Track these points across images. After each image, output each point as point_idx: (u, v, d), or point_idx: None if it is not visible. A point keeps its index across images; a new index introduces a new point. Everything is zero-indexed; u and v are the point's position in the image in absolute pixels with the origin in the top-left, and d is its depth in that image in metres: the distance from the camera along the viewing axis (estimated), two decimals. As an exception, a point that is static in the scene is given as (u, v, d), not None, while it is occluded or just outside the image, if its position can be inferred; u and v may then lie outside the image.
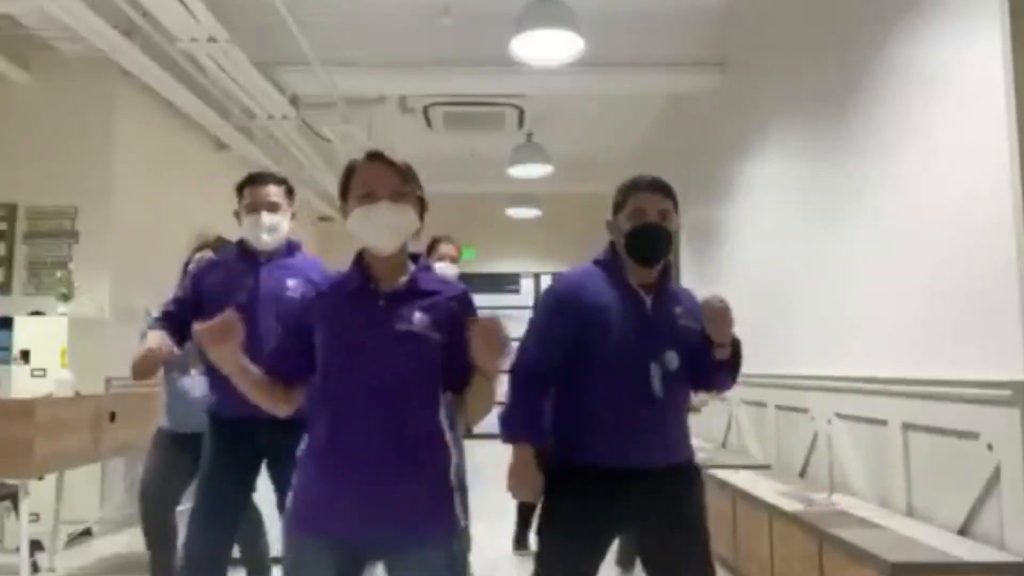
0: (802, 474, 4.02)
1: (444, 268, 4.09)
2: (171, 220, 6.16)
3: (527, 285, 11.09)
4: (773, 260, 4.58)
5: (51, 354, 4.67)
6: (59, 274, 4.92)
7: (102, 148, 5.36)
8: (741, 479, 3.98)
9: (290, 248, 2.74)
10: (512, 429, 2.02)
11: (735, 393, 5.10)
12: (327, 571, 1.61)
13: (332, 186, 7.87)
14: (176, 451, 3.27)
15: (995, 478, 2.55)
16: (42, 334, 4.77)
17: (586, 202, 10.07)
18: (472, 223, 10.47)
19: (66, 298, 4.84)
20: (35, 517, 4.00)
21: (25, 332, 4.78)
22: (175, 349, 2.56)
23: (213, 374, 2.66)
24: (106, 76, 5.27)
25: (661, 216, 2.06)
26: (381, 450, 1.60)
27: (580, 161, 8.54)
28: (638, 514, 2.01)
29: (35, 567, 3.94)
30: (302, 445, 1.70)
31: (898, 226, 3.20)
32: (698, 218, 6.26)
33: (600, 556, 2.04)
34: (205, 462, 2.64)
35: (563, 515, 2.02)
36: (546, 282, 10.73)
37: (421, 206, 1.76)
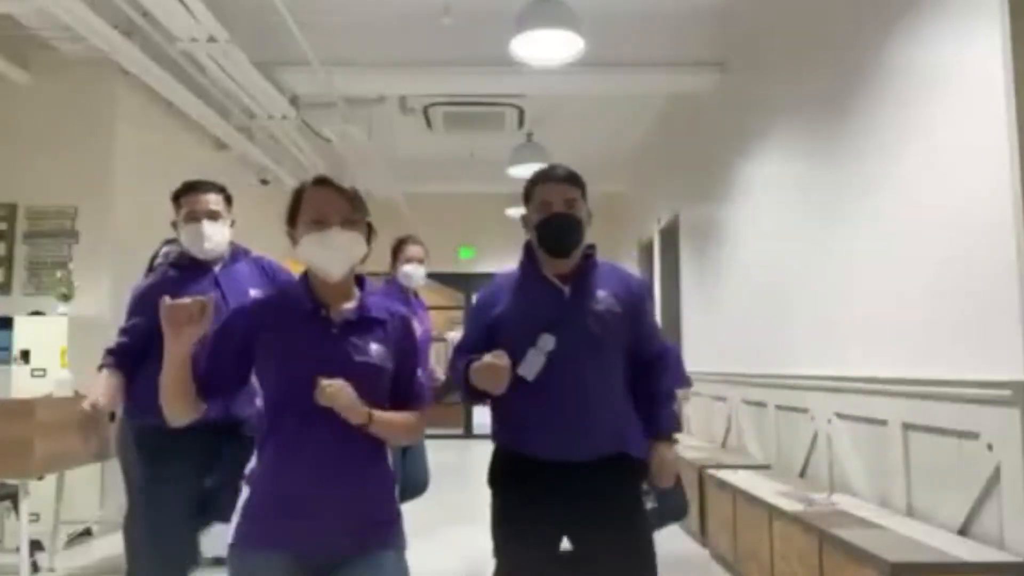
0: (802, 474, 4.02)
1: (412, 270, 4.08)
2: (171, 220, 6.16)
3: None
4: (773, 260, 4.58)
5: (51, 354, 4.68)
6: (59, 274, 4.92)
7: (102, 148, 5.36)
8: (741, 479, 3.98)
9: (235, 255, 2.72)
10: (462, 384, 2.02)
11: (735, 393, 5.10)
12: None
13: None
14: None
15: (995, 478, 2.55)
16: (42, 334, 4.77)
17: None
18: (472, 223, 10.48)
19: (66, 298, 4.84)
20: (35, 517, 4.00)
21: (25, 332, 4.78)
22: (117, 407, 2.48)
23: (141, 378, 2.53)
24: (106, 76, 5.27)
25: (568, 205, 2.06)
26: (331, 472, 1.64)
27: (580, 161, 8.49)
28: (567, 509, 1.98)
29: (35, 567, 3.94)
30: (250, 464, 1.71)
31: (898, 226, 3.20)
32: (698, 218, 6.27)
33: (547, 549, 2.01)
34: (140, 479, 2.55)
35: (503, 506, 2.05)
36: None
37: (369, 232, 1.77)
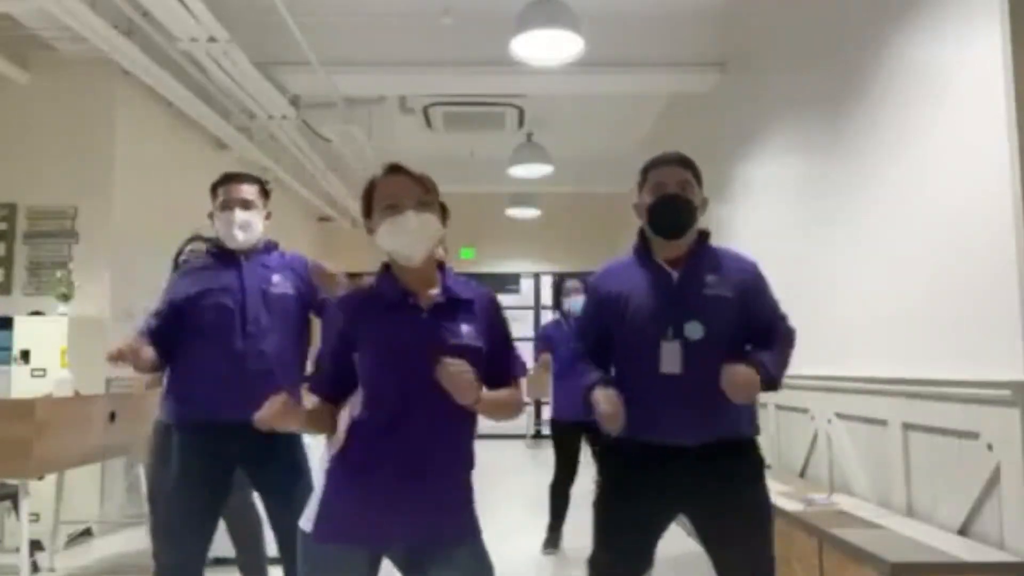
0: (802, 474, 4.02)
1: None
2: (171, 220, 6.14)
3: (527, 285, 11.10)
4: (773, 260, 4.55)
5: (51, 354, 4.67)
6: (59, 274, 4.91)
7: (102, 148, 5.35)
8: (741, 479, 3.98)
9: (267, 247, 2.72)
10: (583, 391, 2.05)
11: (735, 393, 5.10)
12: None
13: (332, 186, 7.88)
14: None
15: (995, 478, 2.55)
16: (42, 334, 4.77)
17: (586, 202, 10.10)
18: (472, 223, 10.48)
19: (66, 298, 4.83)
20: (35, 517, 4.00)
21: (25, 332, 4.78)
22: (142, 362, 2.46)
23: (176, 377, 2.60)
24: (106, 76, 5.27)
25: (680, 187, 2.06)
26: (420, 464, 1.65)
27: (580, 161, 8.54)
28: (682, 493, 2.00)
29: (35, 567, 3.94)
30: (329, 454, 1.72)
31: (898, 226, 3.19)
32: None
33: (650, 532, 2.04)
34: (171, 473, 2.57)
35: (610, 488, 2.09)
36: (546, 282, 10.75)
37: (443, 213, 1.80)
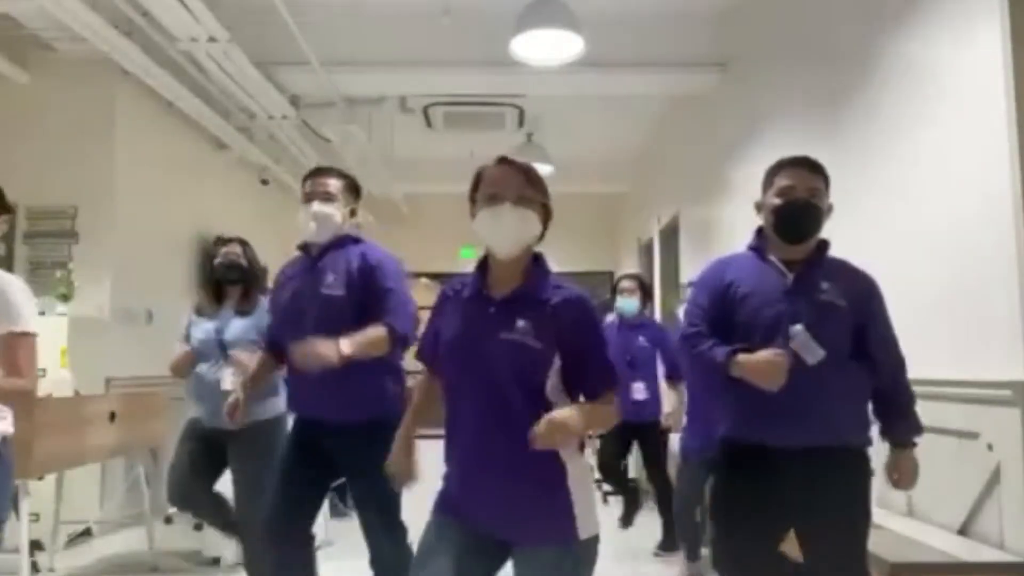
0: (802, 474, 4.02)
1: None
2: (171, 220, 6.16)
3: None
4: (773, 260, 4.58)
5: (51, 354, 4.67)
6: (59, 274, 4.92)
7: (102, 148, 5.35)
8: (741, 479, 3.98)
9: (343, 241, 2.67)
10: (716, 362, 2.01)
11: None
12: (448, 550, 1.70)
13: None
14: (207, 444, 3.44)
15: (995, 478, 2.55)
16: (42, 334, 4.74)
17: (586, 202, 10.08)
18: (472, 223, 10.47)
19: (66, 298, 4.84)
20: (35, 517, 3.99)
21: (25, 332, 4.77)
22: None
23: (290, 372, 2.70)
24: (106, 76, 5.26)
25: (810, 193, 2.06)
26: (484, 452, 1.69)
27: (580, 161, 8.54)
28: (789, 495, 1.99)
29: (35, 567, 3.94)
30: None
31: (898, 226, 3.19)
32: (698, 218, 6.26)
33: (769, 536, 2.03)
34: (280, 457, 2.70)
35: (724, 492, 2.11)
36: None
37: (546, 214, 1.79)
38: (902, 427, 2.14)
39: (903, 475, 2.13)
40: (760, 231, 2.17)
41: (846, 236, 3.63)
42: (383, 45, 5.48)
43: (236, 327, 3.41)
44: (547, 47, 4.44)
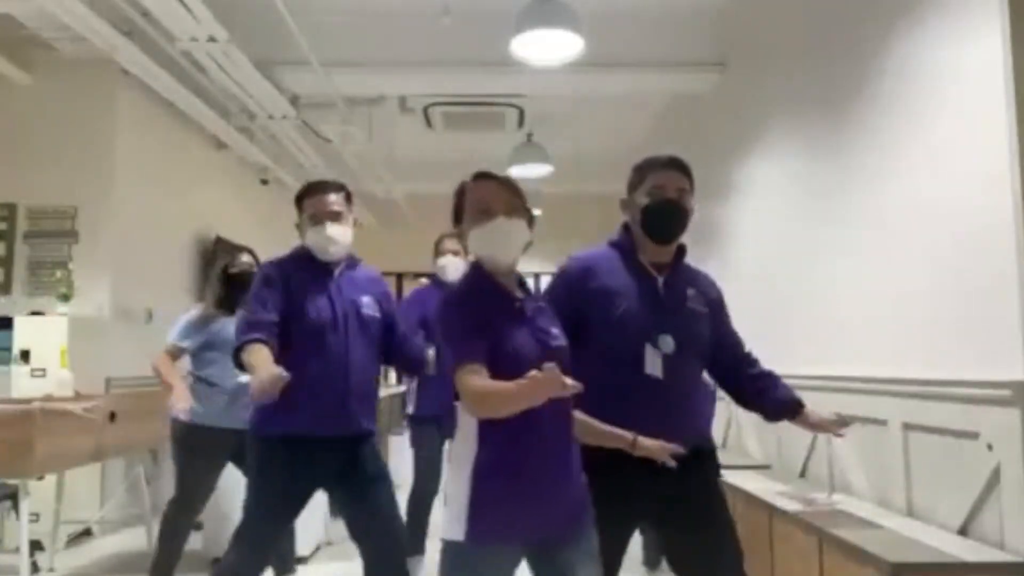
0: (802, 474, 4.02)
1: (447, 262, 4.20)
2: (171, 220, 6.16)
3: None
4: (773, 260, 4.58)
5: (51, 354, 4.67)
6: (59, 274, 4.93)
7: (102, 148, 5.36)
8: (741, 479, 3.98)
9: (351, 260, 2.71)
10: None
11: (735, 393, 5.10)
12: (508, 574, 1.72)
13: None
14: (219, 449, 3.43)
15: (995, 478, 2.55)
16: (42, 334, 4.76)
17: (586, 202, 10.07)
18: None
19: (66, 298, 4.84)
20: (35, 517, 4.00)
21: (25, 332, 4.78)
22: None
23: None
24: (106, 76, 5.27)
25: (679, 194, 2.08)
26: (552, 457, 1.72)
27: (580, 161, 8.53)
28: (651, 500, 2.02)
29: (35, 567, 3.94)
30: (473, 455, 1.69)
31: (898, 226, 3.19)
32: (698, 218, 6.25)
33: (620, 541, 2.04)
34: (258, 485, 2.51)
35: (599, 496, 2.10)
36: (546, 282, 10.71)
37: (530, 220, 1.85)
38: (784, 389, 2.21)
39: (823, 420, 2.20)
40: (626, 228, 2.15)
41: (846, 236, 3.65)
42: (383, 45, 5.48)
43: None
44: (547, 47, 4.43)
